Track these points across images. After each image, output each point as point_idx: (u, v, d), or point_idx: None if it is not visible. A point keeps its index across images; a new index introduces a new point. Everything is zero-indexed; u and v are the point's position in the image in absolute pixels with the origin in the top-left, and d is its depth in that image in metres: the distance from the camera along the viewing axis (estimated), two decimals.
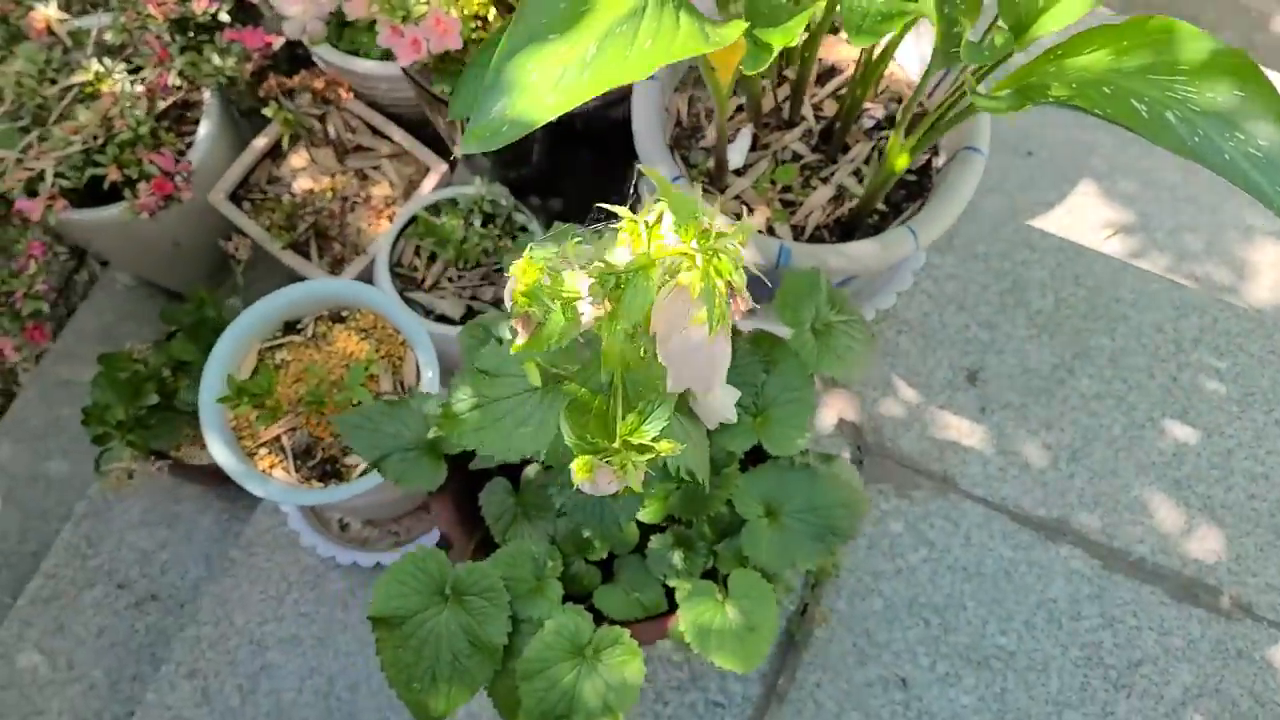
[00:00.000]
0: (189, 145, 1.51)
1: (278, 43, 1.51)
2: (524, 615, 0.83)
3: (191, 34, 1.52)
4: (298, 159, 1.59)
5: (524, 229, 1.35)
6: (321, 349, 1.17)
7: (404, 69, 1.25)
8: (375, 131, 1.61)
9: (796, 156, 1.14)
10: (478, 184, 1.34)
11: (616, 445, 0.53)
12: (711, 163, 1.12)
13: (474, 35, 1.14)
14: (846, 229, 1.11)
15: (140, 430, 1.40)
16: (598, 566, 0.90)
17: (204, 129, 1.52)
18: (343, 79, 1.47)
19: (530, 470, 0.93)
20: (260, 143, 1.57)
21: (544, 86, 0.58)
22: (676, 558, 0.86)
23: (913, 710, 1.16)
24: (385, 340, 1.18)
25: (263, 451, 1.11)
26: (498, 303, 1.35)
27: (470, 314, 1.34)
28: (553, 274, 0.51)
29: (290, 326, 1.20)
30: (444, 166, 1.57)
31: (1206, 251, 1.58)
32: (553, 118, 0.57)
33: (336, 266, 1.51)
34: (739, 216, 1.08)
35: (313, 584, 1.38)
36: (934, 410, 1.31)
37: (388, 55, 1.53)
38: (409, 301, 1.33)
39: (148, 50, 1.48)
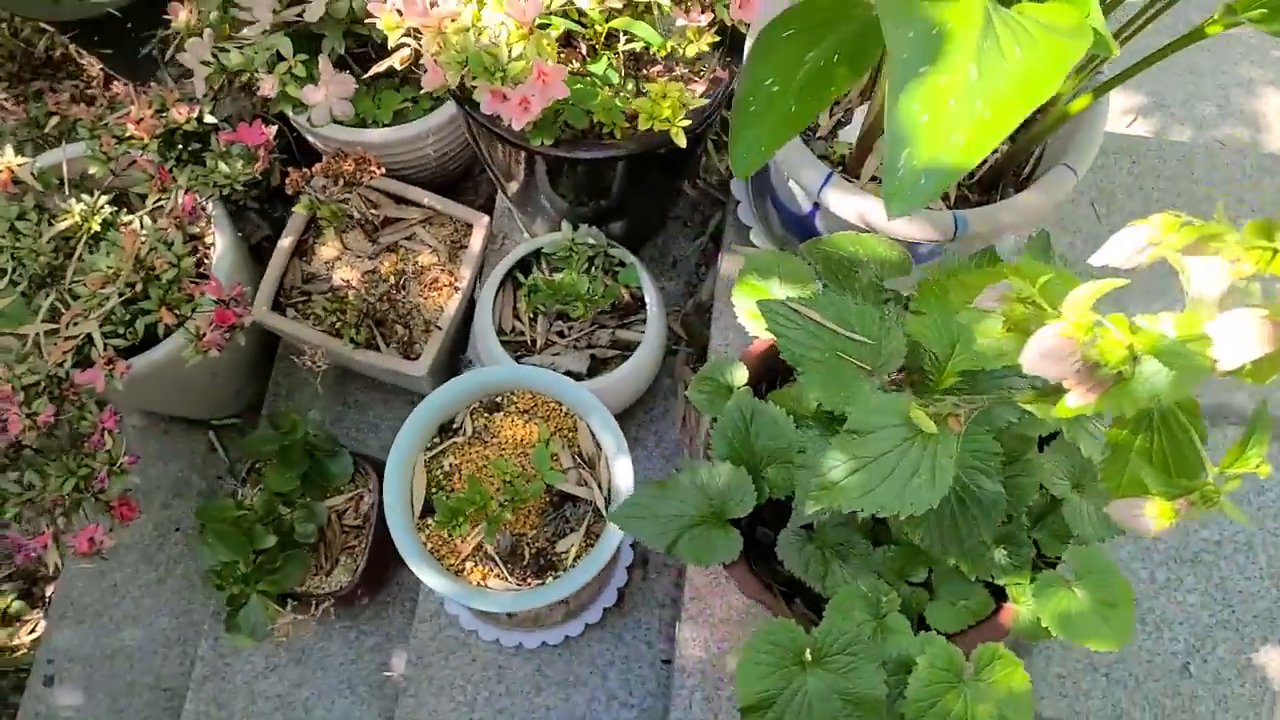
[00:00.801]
0: (202, 263, 1.38)
1: (272, 132, 1.39)
2: (883, 657, 0.79)
3: (180, 145, 1.38)
4: (328, 249, 1.47)
5: (621, 264, 1.29)
6: (488, 443, 1.09)
7: (483, 124, 1.16)
8: (399, 200, 1.51)
9: None
10: (566, 229, 1.27)
11: (1204, 481, 0.50)
12: (845, 150, 1.08)
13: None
14: (984, 185, 1.09)
15: (269, 577, 1.29)
16: (921, 586, 0.87)
17: (220, 243, 1.40)
18: (361, 152, 1.36)
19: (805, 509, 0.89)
20: (286, 242, 1.45)
21: (943, 125, 0.53)
22: (1000, 555, 0.84)
23: (1149, 624, 1.18)
24: (550, 416, 1.11)
25: (469, 566, 1.03)
26: (618, 346, 1.29)
27: (596, 365, 1.27)
28: (1097, 327, 0.46)
29: (445, 429, 1.11)
30: (485, 219, 1.49)
31: (1220, 114, 1.64)
32: (976, 159, 0.53)
33: (409, 350, 1.42)
34: None
35: (497, 677, 1.30)
36: None
37: (400, 119, 1.43)
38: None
39: (140, 175, 1.34)
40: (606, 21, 1.07)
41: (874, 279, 0.89)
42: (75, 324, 1.21)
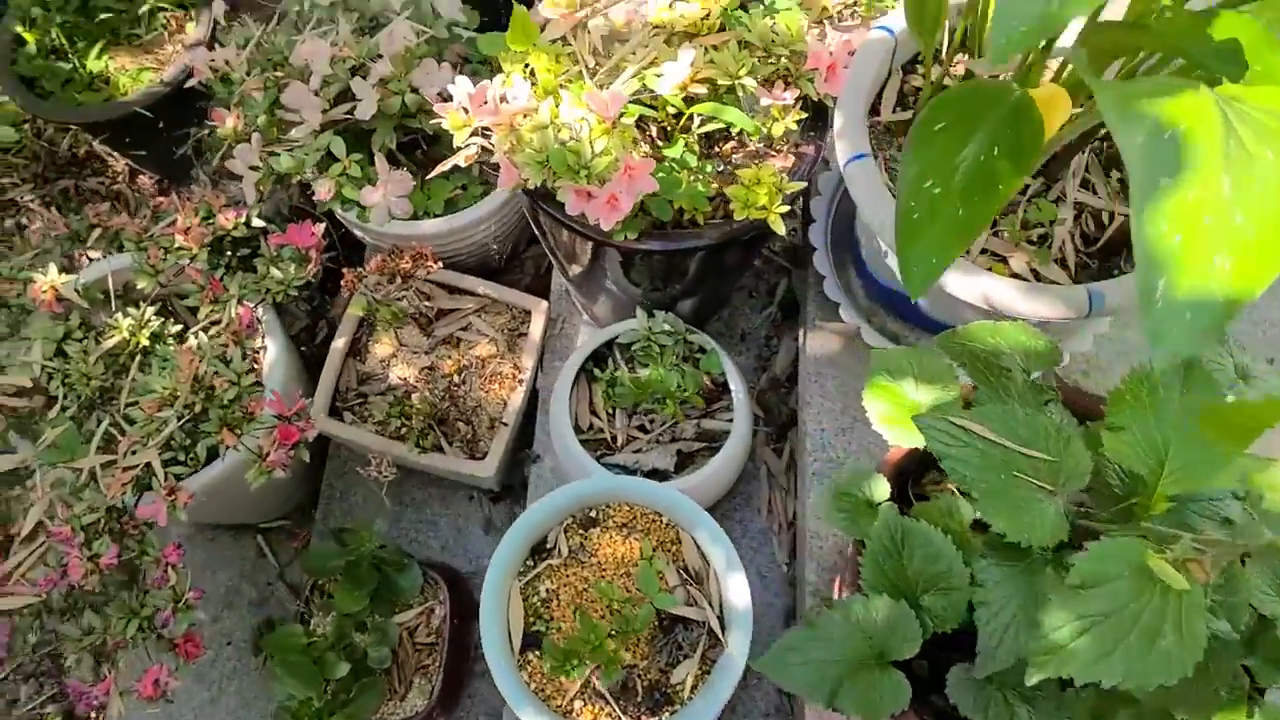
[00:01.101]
0: (253, 368, 1.31)
1: (320, 230, 1.33)
2: None
3: (229, 252, 1.32)
4: (382, 347, 1.40)
5: (701, 350, 1.22)
6: (586, 563, 1.01)
7: (555, 218, 1.10)
8: (452, 290, 1.44)
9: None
10: (643, 316, 1.20)
11: None
12: None
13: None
14: (1105, 251, 1.02)
15: (343, 710, 1.20)
16: None
17: (272, 348, 1.33)
18: (419, 247, 1.29)
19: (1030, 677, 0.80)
20: (340, 344, 1.38)
21: (1200, 248, 0.46)
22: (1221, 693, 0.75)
23: None
24: (650, 529, 1.03)
25: (578, 705, 0.95)
26: (704, 437, 1.21)
27: (683, 459, 1.19)
28: None
29: (538, 550, 1.03)
30: (543, 304, 1.42)
31: None
32: (1254, 288, 0.46)
33: (473, 447, 1.34)
34: (1018, 275, 0.97)
35: None
36: None
37: (450, 207, 1.37)
38: (609, 468, 1.17)
39: (190, 287, 1.28)
40: (689, 106, 1.00)
41: (1027, 376, 0.82)
42: (133, 452, 1.14)
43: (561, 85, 1.03)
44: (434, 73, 1.23)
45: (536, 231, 1.23)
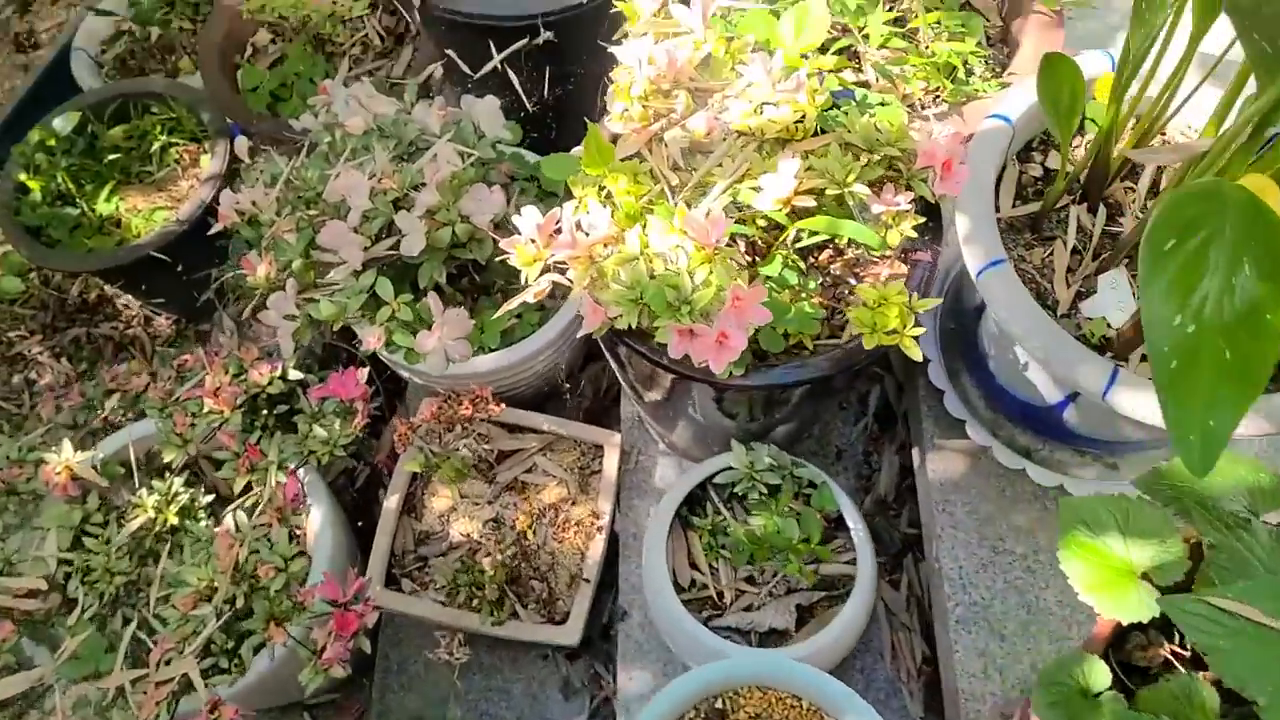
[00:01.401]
0: (295, 536, 1.16)
1: (364, 376, 1.19)
2: None
3: (265, 411, 1.18)
4: (439, 500, 1.25)
5: (812, 485, 1.07)
6: None
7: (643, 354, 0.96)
8: (512, 429, 1.30)
9: None
10: (740, 451, 1.06)
11: None
12: (1104, 330, 0.87)
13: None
14: None
15: None
16: None
17: (317, 516, 1.18)
18: (477, 389, 1.16)
19: None
20: (393, 502, 1.23)
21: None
22: None
23: None
24: (789, 716, 0.87)
25: None
26: (823, 584, 1.05)
27: (805, 613, 1.03)
28: None
29: None
30: (616, 437, 1.27)
31: None
32: None
33: (551, 608, 1.18)
34: None
35: None
36: None
37: (506, 338, 1.24)
38: (719, 632, 1.01)
39: (223, 455, 1.14)
40: (793, 221, 0.88)
41: (1268, 525, 0.67)
42: (167, 662, 0.98)
43: (644, 208, 0.90)
44: (485, 199, 1.11)
45: (613, 363, 1.09)
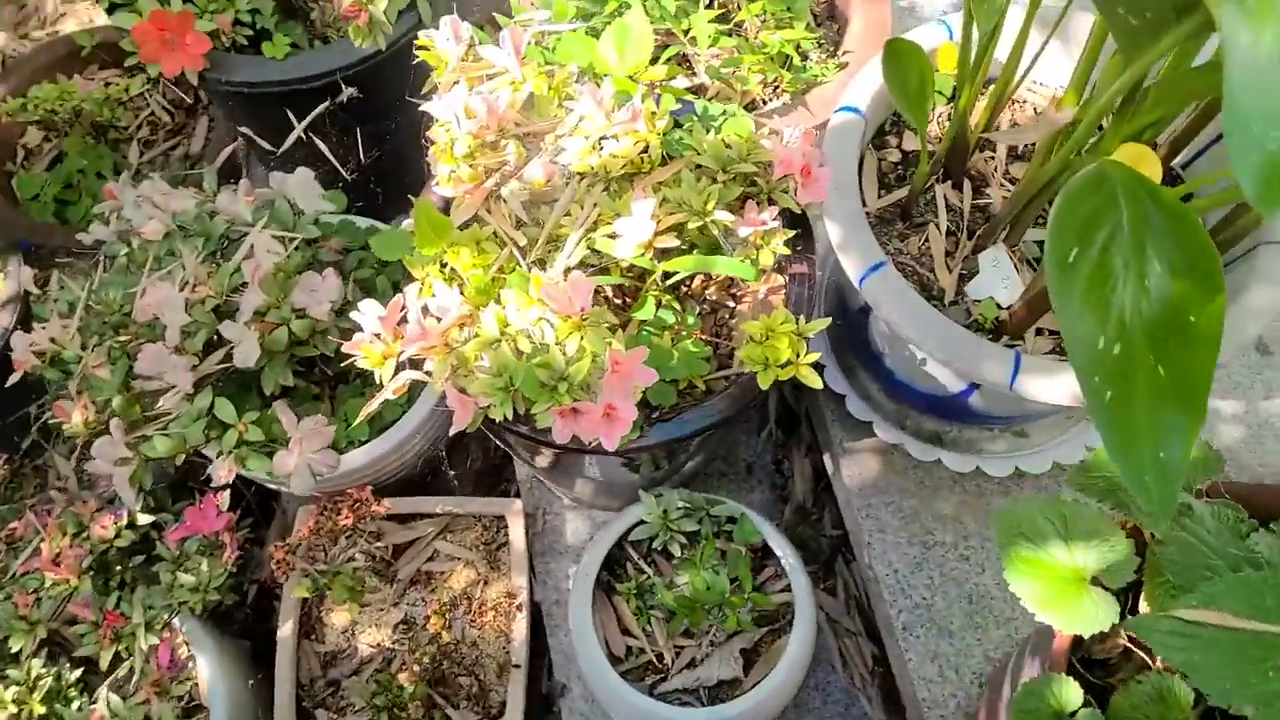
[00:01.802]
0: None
1: (223, 500, 1.07)
2: None
3: (120, 567, 1.05)
4: (339, 615, 1.14)
5: (732, 520, 1.01)
6: None
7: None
8: (404, 519, 1.19)
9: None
10: (650, 502, 0.99)
11: None
12: (994, 313, 0.84)
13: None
14: None
15: None
16: None
17: (206, 668, 1.06)
18: (355, 492, 1.05)
19: None
20: (286, 631, 1.12)
21: None
22: None
23: None
24: None
25: None
26: (763, 619, 1.00)
27: (750, 654, 0.98)
28: None
29: None
30: (516, 504, 1.19)
31: None
32: None
33: (483, 702, 1.10)
34: None
35: None
36: None
37: (376, 425, 1.13)
38: (666, 698, 0.95)
39: (82, 627, 1.00)
40: (659, 264, 0.81)
41: (1209, 501, 0.64)
42: None
43: (495, 279, 0.81)
44: (318, 287, 0.99)
45: (497, 440, 1.01)
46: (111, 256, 1.09)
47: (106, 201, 1.11)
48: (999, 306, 0.85)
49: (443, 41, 0.90)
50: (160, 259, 1.05)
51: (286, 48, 1.13)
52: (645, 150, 0.83)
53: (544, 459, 1.07)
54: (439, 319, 0.79)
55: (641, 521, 1.01)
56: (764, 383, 0.77)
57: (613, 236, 0.80)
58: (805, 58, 1.12)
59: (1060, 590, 0.65)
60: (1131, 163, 0.67)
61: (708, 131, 0.88)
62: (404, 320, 0.82)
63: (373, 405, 0.85)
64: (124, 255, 1.06)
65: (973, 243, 0.88)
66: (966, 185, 0.91)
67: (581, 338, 0.74)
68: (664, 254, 0.80)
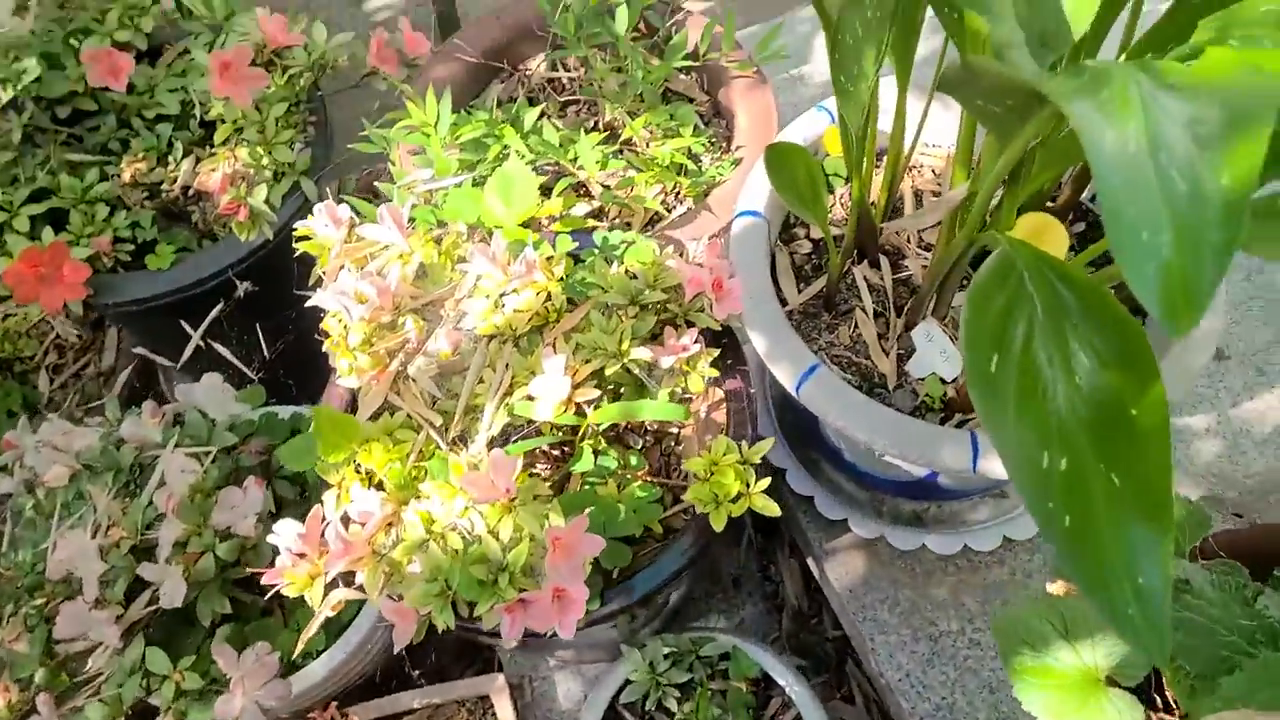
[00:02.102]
0: None
1: None
2: None
3: None
4: None
5: (725, 656, 0.94)
6: None
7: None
8: None
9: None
10: (635, 657, 0.92)
11: None
12: (940, 392, 0.80)
13: None
14: None
15: None
16: None
17: None
18: (322, 714, 0.97)
19: None
20: None
21: None
22: None
23: None
24: None
25: None
26: None
27: None
28: None
29: None
30: (499, 679, 1.10)
31: None
32: None
33: None
34: None
35: None
36: None
37: (335, 627, 1.05)
38: None
39: None
40: (586, 419, 0.76)
41: (1204, 569, 0.59)
42: None
43: (415, 468, 0.76)
44: (239, 502, 0.93)
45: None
46: (18, 511, 1.02)
47: (6, 452, 1.05)
48: (943, 382, 0.81)
49: (322, 228, 0.86)
50: (69, 505, 0.99)
51: (171, 256, 1.09)
52: (548, 299, 0.79)
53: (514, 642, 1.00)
54: (362, 525, 0.73)
55: (632, 683, 0.93)
56: (717, 523, 0.72)
57: (530, 398, 0.75)
58: (698, 160, 1.10)
59: (1075, 697, 0.59)
60: (1034, 236, 0.64)
61: (610, 264, 0.84)
62: (324, 540, 0.76)
63: (311, 628, 0.78)
64: (30, 508, 0.99)
65: (903, 320, 0.85)
66: (884, 261, 0.88)
67: (515, 520, 0.68)
68: (589, 404, 0.76)
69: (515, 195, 0.88)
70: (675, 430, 0.91)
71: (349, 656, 1.01)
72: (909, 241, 0.90)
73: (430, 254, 0.84)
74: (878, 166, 0.90)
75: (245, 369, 1.10)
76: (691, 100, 1.17)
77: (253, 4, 1.18)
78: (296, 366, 1.22)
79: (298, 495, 1.06)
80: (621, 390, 0.81)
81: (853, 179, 0.75)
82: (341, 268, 0.85)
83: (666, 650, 0.92)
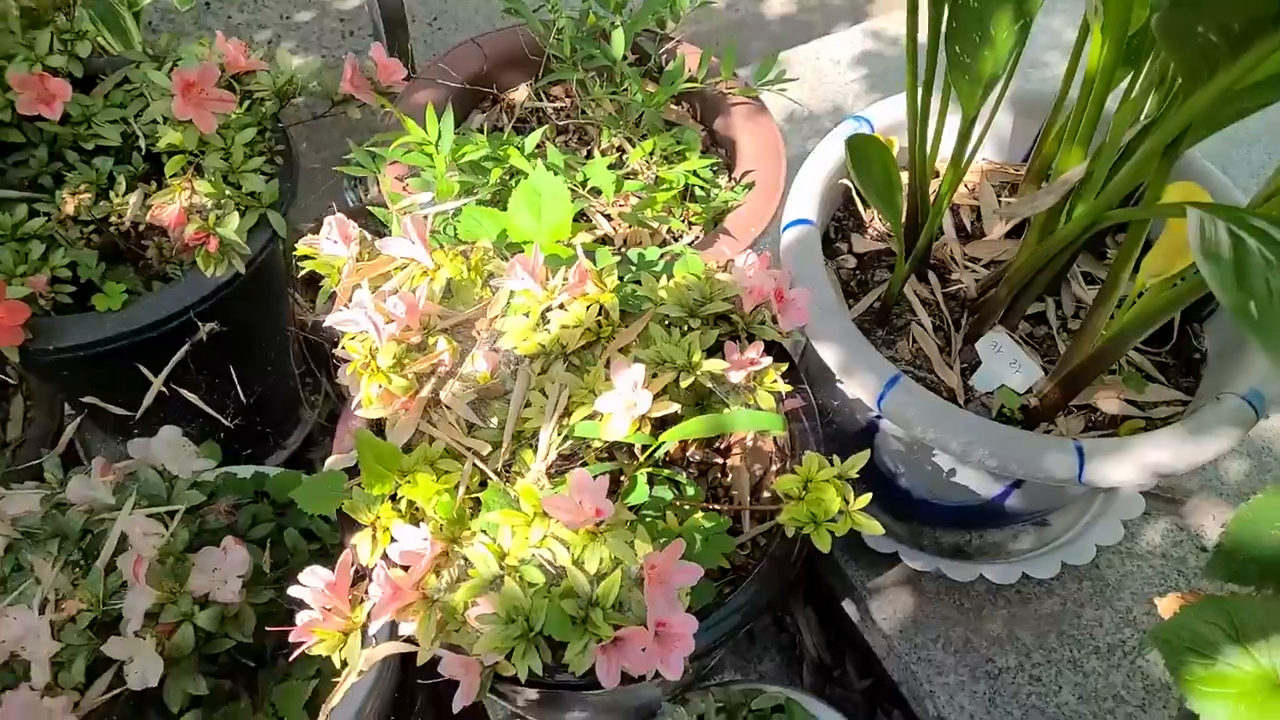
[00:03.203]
0: None
1: None
2: None
3: None
4: None
5: (778, 709, 0.85)
6: None
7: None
8: None
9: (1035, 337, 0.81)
10: (683, 716, 0.82)
11: None
12: (1019, 401, 0.75)
13: None
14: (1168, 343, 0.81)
15: None
16: None
17: None
18: None
19: None
20: None
21: None
22: None
23: None
24: None
25: None
26: None
27: None
28: None
29: None
30: None
31: None
32: None
33: None
34: (1126, 418, 0.73)
35: None
36: None
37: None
38: None
39: None
40: (658, 436, 0.68)
41: None
42: None
43: (466, 504, 0.66)
44: (220, 563, 0.80)
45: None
46: None
47: None
48: (1019, 394, 0.76)
49: (330, 245, 0.77)
50: (5, 580, 0.83)
51: (122, 296, 0.96)
52: (606, 316, 0.72)
53: (530, 694, 0.89)
54: (405, 568, 0.63)
55: None
56: (822, 544, 0.65)
57: (594, 418, 0.67)
58: (705, 186, 1.05)
59: (1263, 703, 0.54)
60: (1186, 198, 0.61)
61: (657, 279, 0.78)
62: (359, 579, 0.65)
63: (338, 695, 0.66)
64: None
65: (961, 334, 0.81)
66: (931, 276, 0.85)
67: (604, 548, 0.59)
68: (659, 424, 0.68)
69: (546, 208, 0.81)
70: (720, 461, 0.84)
71: None
72: (952, 257, 0.87)
73: (459, 269, 0.76)
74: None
75: (220, 416, 0.97)
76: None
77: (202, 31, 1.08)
78: (273, 410, 1.09)
79: (268, 565, 0.94)
80: (678, 411, 0.74)
81: (914, 175, 0.72)
82: (355, 286, 0.76)
83: (720, 703, 0.83)
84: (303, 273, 0.78)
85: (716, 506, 0.75)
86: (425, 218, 0.77)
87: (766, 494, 0.82)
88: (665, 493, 0.74)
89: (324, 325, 0.71)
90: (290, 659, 0.92)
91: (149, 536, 0.82)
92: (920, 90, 0.68)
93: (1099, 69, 0.58)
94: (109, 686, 0.78)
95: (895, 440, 0.80)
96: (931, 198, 0.82)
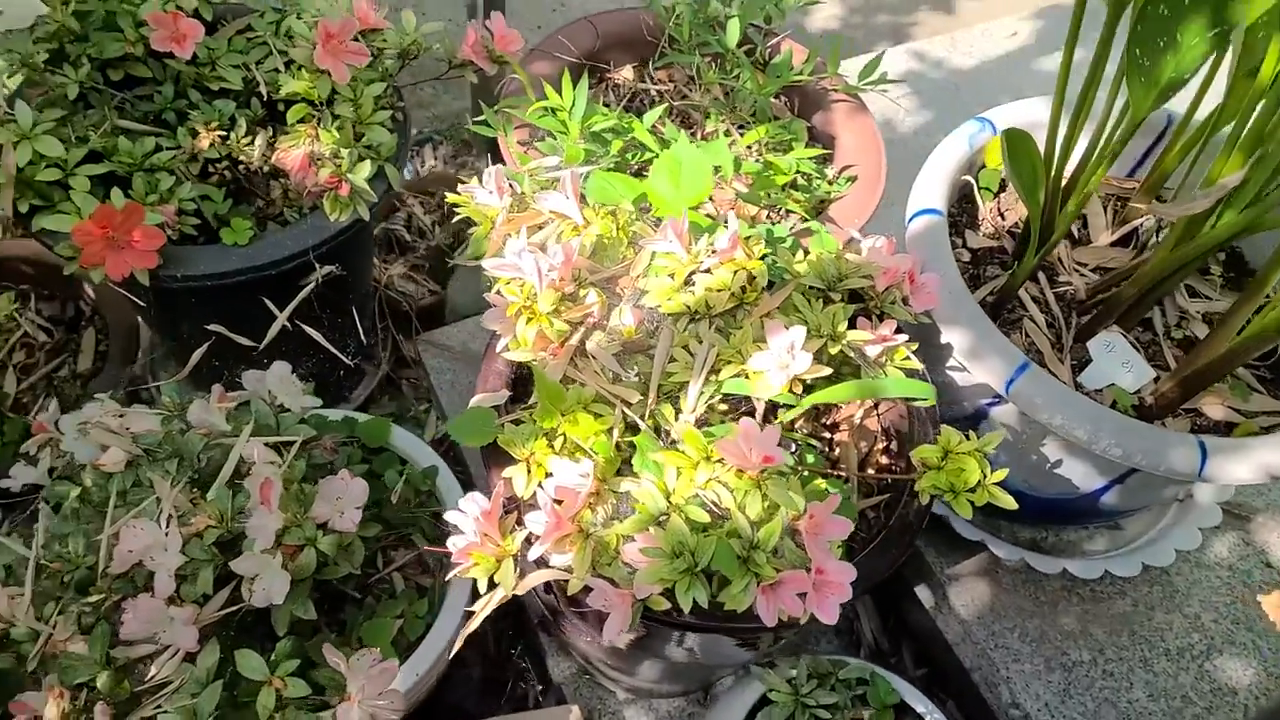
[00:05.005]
0: None
1: None
2: None
3: None
4: None
5: (863, 681, 0.88)
6: None
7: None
8: None
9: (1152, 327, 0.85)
10: (773, 678, 0.85)
11: None
12: (1133, 399, 0.79)
13: None
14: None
15: None
16: None
17: None
18: None
19: None
20: None
21: None
22: None
23: None
24: None
25: None
26: None
27: None
28: None
29: None
30: (574, 711, 1.01)
31: None
32: None
33: None
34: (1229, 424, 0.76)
35: None
36: None
37: (406, 649, 0.94)
38: None
39: None
40: (804, 397, 0.71)
41: None
42: None
43: (621, 447, 0.69)
44: (345, 493, 0.83)
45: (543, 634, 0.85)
46: (54, 501, 0.87)
47: (35, 436, 0.91)
48: (1133, 393, 0.80)
49: (485, 196, 0.80)
50: (125, 494, 0.85)
51: (249, 231, 0.98)
52: (752, 279, 0.75)
53: (616, 644, 0.91)
54: (559, 502, 0.66)
55: (763, 703, 0.86)
56: (964, 511, 0.68)
57: (745, 376, 0.70)
58: (813, 176, 1.09)
59: None
60: None
61: (793, 254, 0.81)
62: (509, 511, 0.68)
63: (476, 621, 0.68)
64: (75, 497, 0.85)
65: (1072, 332, 0.84)
66: (1041, 277, 0.88)
67: (762, 497, 0.62)
68: (810, 389, 0.71)
69: (686, 178, 0.84)
70: (827, 436, 0.87)
71: (425, 673, 0.91)
72: (1060, 260, 0.90)
73: (608, 227, 0.79)
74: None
75: (340, 354, 0.99)
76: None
77: None
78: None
79: None
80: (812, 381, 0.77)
81: (1053, 176, 0.75)
82: (509, 235, 0.78)
83: (810, 670, 0.86)
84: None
85: (838, 473, 0.78)
86: (579, 177, 0.80)
87: (871, 470, 0.85)
88: (810, 456, 0.77)
89: (484, 269, 0.74)
90: (366, 597, 0.96)
91: (269, 464, 0.85)
92: (1082, 89, 0.71)
93: (1273, 78, 0.62)
94: (225, 604, 0.80)
95: (1004, 428, 0.83)
96: (1079, 200, 0.85)
